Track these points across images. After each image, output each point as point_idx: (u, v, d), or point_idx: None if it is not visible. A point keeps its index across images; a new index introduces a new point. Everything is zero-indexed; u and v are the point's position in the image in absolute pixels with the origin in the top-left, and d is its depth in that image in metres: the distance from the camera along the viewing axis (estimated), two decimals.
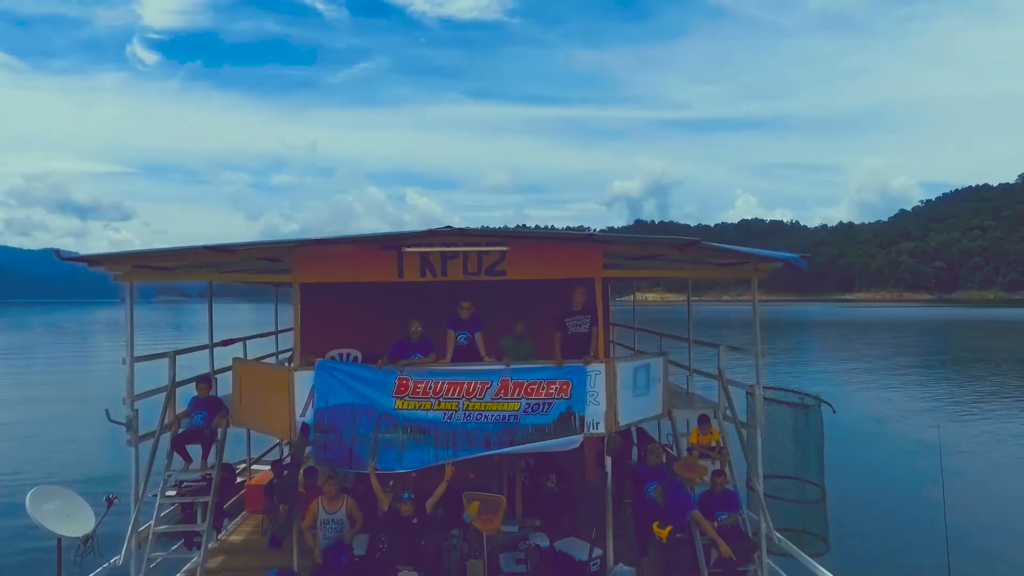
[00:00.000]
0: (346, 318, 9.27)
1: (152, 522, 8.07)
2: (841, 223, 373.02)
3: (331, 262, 8.08)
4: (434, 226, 7.64)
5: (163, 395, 8.69)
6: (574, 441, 7.85)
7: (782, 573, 7.91)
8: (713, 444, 8.85)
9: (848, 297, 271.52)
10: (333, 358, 8.55)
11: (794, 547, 7.82)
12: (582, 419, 7.83)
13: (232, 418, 8.90)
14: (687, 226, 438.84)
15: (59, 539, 6.05)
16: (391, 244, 7.79)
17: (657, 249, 8.36)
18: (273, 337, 13.35)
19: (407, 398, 7.62)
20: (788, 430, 8.35)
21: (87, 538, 6.44)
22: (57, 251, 7.09)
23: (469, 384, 7.66)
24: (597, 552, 8.11)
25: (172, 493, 8.65)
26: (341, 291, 8.50)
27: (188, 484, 8.96)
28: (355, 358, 9.00)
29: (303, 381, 7.69)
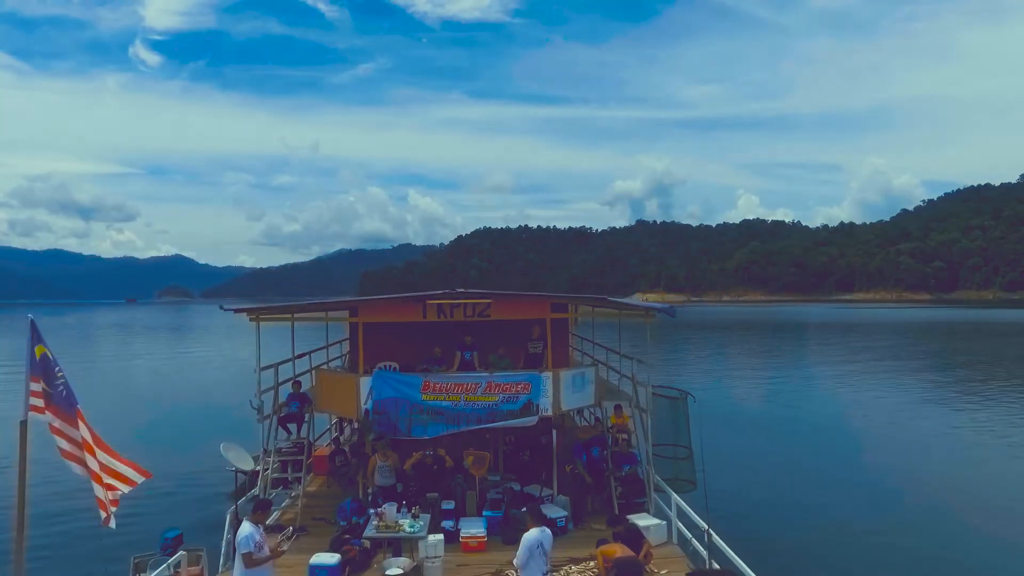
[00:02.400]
0: (389, 343, 14.09)
1: (269, 471, 12.95)
2: (842, 223, 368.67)
3: (381, 310, 13.01)
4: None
5: (273, 391, 13.58)
6: (533, 420, 12.67)
7: (662, 503, 12.67)
8: (624, 423, 13.71)
9: (848, 297, 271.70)
10: (381, 368, 13.37)
11: (668, 487, 12.57)
12: (538, 406, 12.63)
13: (315, 406, 13.83)
14: (689, 226, 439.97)
15: (236, 471, 10.84)
16: (419, 299, 12.69)
17: (583, 302, 13.23)
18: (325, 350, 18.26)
19: (429, 393, 12.44)
20: (667, 413, 13.10)
21: (252, 472, 11.27)
22: (221, 305, 11.89)
23: (468, 384, 12.48)
24: (547, 491, 13.00)
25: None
26: (387, 327, 13.31)
27: (285, 449, 13.91)
28: (394, 368, 13.82)
29: (365, 383, 12.53)
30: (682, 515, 11.60)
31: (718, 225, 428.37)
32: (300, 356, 15.72)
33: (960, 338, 71.99)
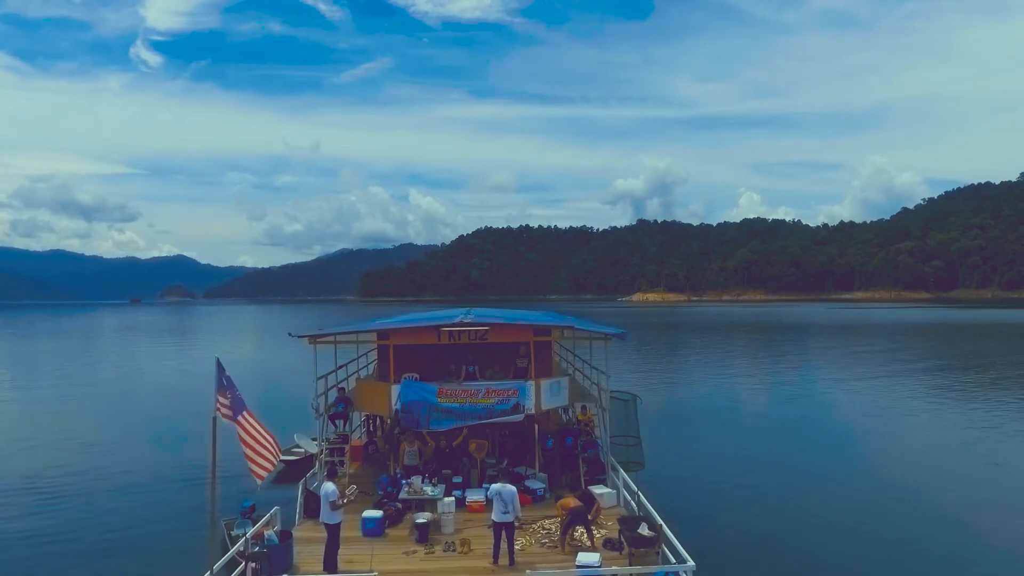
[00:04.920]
0: (411, 359, 18.42)
1: (323, 455, 17.29)
2: (842, 222, 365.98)
3: (407, 335, 17.37)
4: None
5: (323, 395, 17.94)
6: (520, 416, 16.96)
7: (617, 480, 16.96)
8: (589, 419, 18.07)
9: (847, 297, 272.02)
10: (407, 378, 17.70)
11: (621, 468, 16.85)
12: (524, 406, 16.93)
13: (356, 406, 18.19)
14: (690, 225, 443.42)
15: (305, 452, 15.11)
16: (435, 327, 17.04)
17: (558, 327, 17.56)
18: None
19: (443, 397, 16.69)
20: (621, 411, 17.40)
21: (318, 452, 15.58)
22: (290, 332, 16.22)
23: (471, 390, 16.76)
24: (531, 471, 17.34)
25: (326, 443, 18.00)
26: (409, 347, 17.64)
27: (333, 440, 18.26)
28: (416, 377, 18.16)
29: (395, 389, 16.85)
30: (627, 486, 15.92)
31: (719, 224, 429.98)
32: (341, 367, 20.08)
33: (935, 337, 76.02)
